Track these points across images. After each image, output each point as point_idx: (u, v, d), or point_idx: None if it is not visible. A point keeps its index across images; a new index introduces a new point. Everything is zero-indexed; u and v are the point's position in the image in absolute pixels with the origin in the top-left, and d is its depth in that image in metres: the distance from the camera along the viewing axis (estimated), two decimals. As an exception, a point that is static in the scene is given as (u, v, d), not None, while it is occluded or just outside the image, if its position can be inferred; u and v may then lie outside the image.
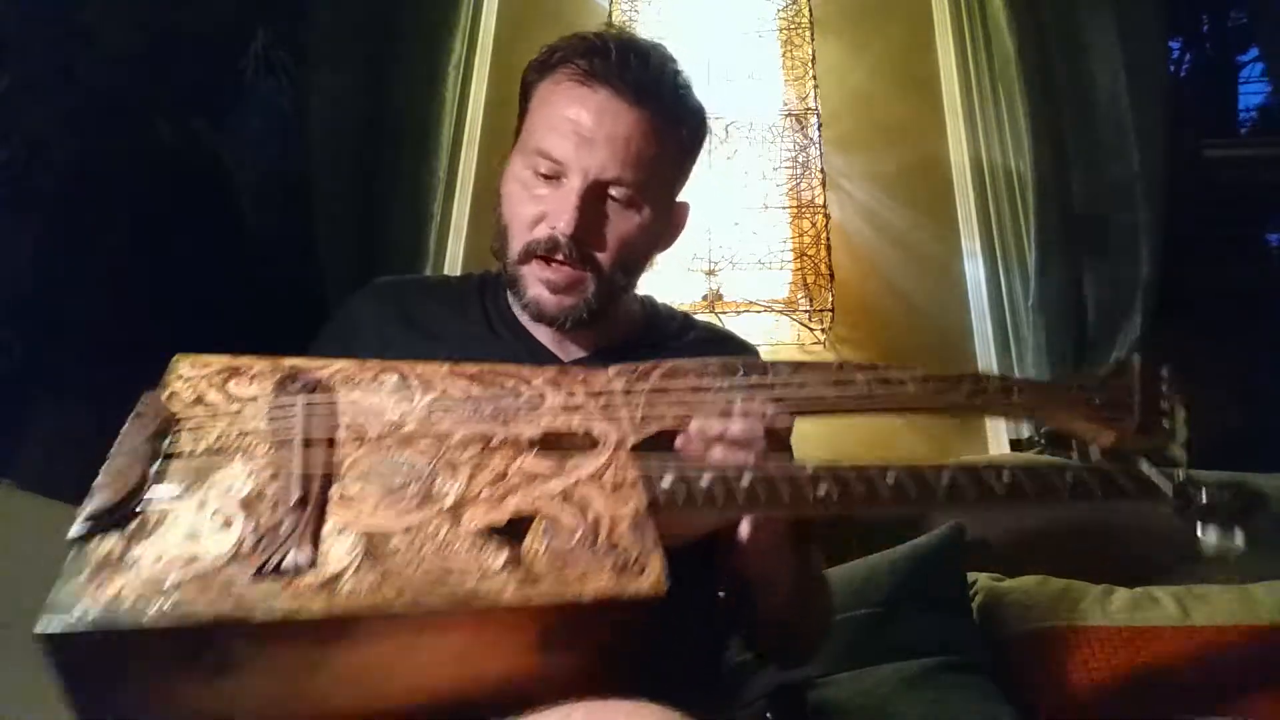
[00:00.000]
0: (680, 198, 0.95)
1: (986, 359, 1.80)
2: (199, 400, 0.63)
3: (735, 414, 0.70)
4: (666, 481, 0.64)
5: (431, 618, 0.53)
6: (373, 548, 0.54)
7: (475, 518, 0.58)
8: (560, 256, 0.84)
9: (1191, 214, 1.85)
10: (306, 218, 1.72)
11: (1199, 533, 0.81)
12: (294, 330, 0.92)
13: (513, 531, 0.57)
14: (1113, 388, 0.90)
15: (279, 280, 1.81)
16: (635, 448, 0.66)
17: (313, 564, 0.52)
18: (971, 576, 1.28)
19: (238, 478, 0.57)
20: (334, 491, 0.58)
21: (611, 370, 0.72)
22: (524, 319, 0.92)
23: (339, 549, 0.54)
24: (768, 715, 0.94)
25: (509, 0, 1.99)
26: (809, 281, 1.72)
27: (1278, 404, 1.95)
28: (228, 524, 0.54)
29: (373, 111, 1.80)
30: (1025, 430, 1.73)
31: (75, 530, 0.53)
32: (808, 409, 0.74)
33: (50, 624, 0.52)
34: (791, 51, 1.85)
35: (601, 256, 0.86)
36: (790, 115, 1.79)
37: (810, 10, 1.85)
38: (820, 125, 1.77)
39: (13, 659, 0.95)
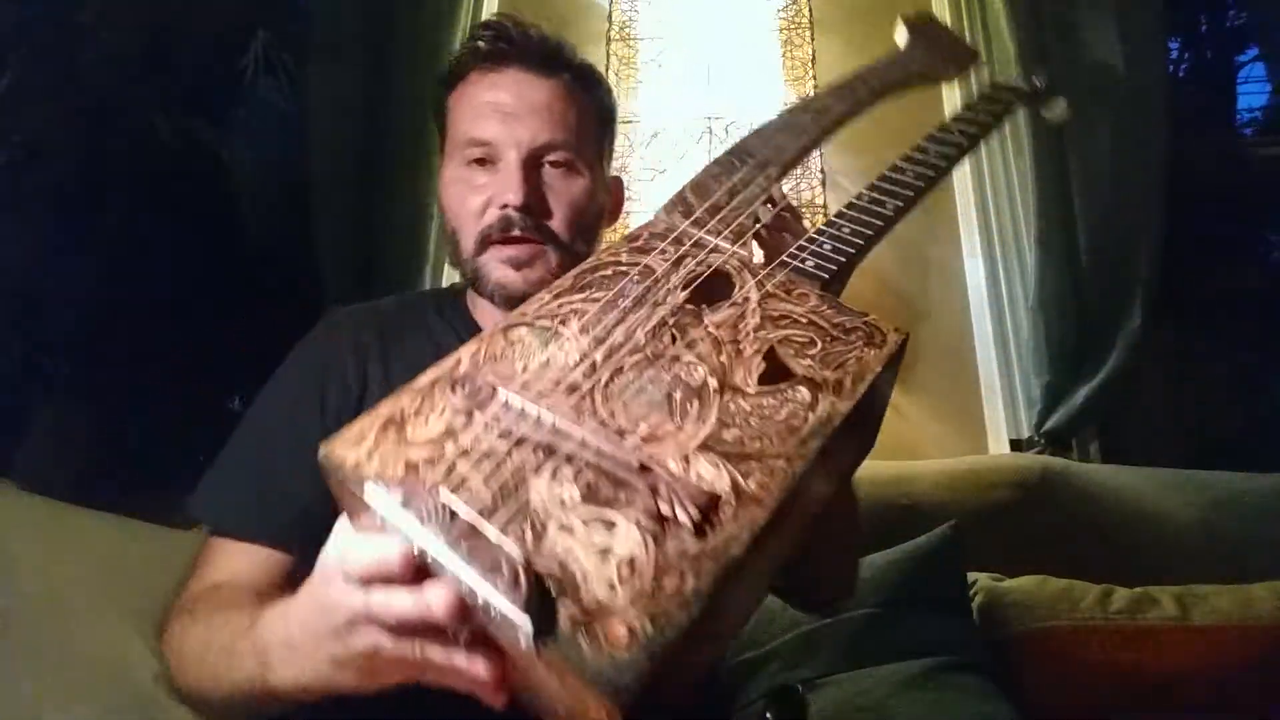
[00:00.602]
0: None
1: (986, 359, 1.80)
2: (409, 465, 0.55)
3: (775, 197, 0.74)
4: (809, 262, 0.67)
5: None
6: (722, 450, 0.53)
7: (744, 377, 0.58)
8: (516, 233, 0.85)
9: (1192, 214, 1.85)
10: (306, 217, 1.72)
11: (1044, 111, 0.95)
12: (294, 331, 0.92)
13: (775, 369, 0.58)
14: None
15: (279, 280, 1.81)
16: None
17: (714, 499, 0.51)
18: (971, 576, 1.28)
19: (552, 490, 0.52)
20: (630, 441, 0.54)
21: (661, 215, 0.73)
22: (489, 323, 0.90)
23: (704, 473, 0.52)
24: (767, 715, 0.93)
25: (509, 0, 1.99)
26: (809, 281, 1.72)
27: (1278, 404, 1.95)
28: (611, 522, 0.51)
29: (373, 111, 1.81)
30: (1025, 430, 1.73)
31: (527, 635, 0.47)
32: (794, 164, 0.79)
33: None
34: (791, 51, 1.85)
35: (555, 225, 0.87)
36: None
37: (810, 10, 1.86)
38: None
39: (13, 659, 0.95)
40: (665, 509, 0.50)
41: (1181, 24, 2.34)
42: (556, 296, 0.65)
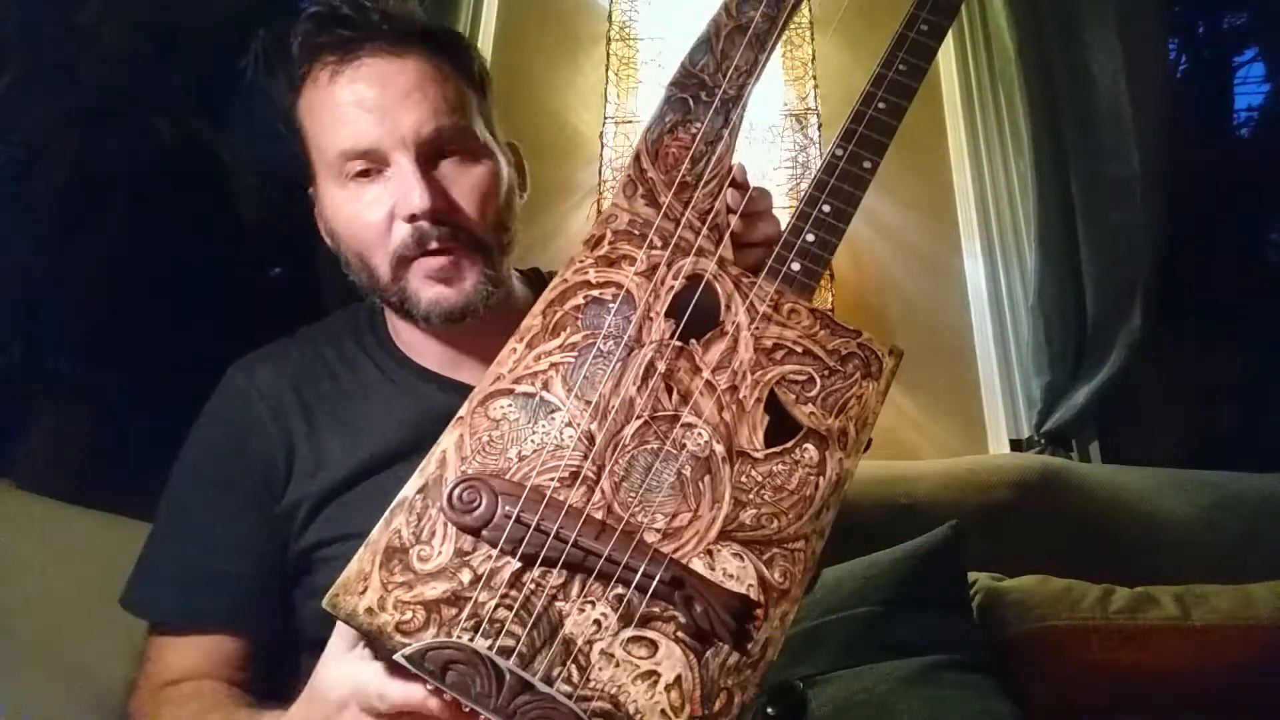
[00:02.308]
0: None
1: (986, 359, 1.80)
2: (431, 606, 0.51)
3: (736, 176, 0.65)
4: (796, 265, 0.63)
5: None
6: (742, 538, 0.53)
7: (750, 440, 0.56)
8: (434, 245, 0.73)
9: (1191, 214, 1.85)
10: (307, 218, 1.71)
11: None
12: (294, 331, 0.91)
13: (778, 417, 0.57)
14: None
15: (279, 279, 1.81)
16: (736, 261, 0.62)
17: (745, 601, 0.51)
18: (971, 576, 1.28)
19: (588, 617, 0.51)
20: (652, 540, 0.53)
21: (620, 203, 0.64)
22: (415, 346, 0.82)
23: (729, 568, 0.52)
24: (769, 711, 0.93)
25: (509, 0, 1.99)
26: (809, 281, 1.71)
27: (1278, 404, 1.95)
28: (653, 646, 0.50)
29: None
30: (1025, 430, 1.73)
31: None
32: (760, 72, 0.70)
33: None
34: (791, 51, 1.85)
35: (472, 224, 0.75)
36: (790, 115, 1.79)
37: (810, 10, 1.85)
38: (820, 125, 1.77)
39: (12, 658, 0.95)
40: (703, 624, 0.50)
41: (1180, 25, 2.34)
42: (530, 346, 0.59)
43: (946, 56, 1.92)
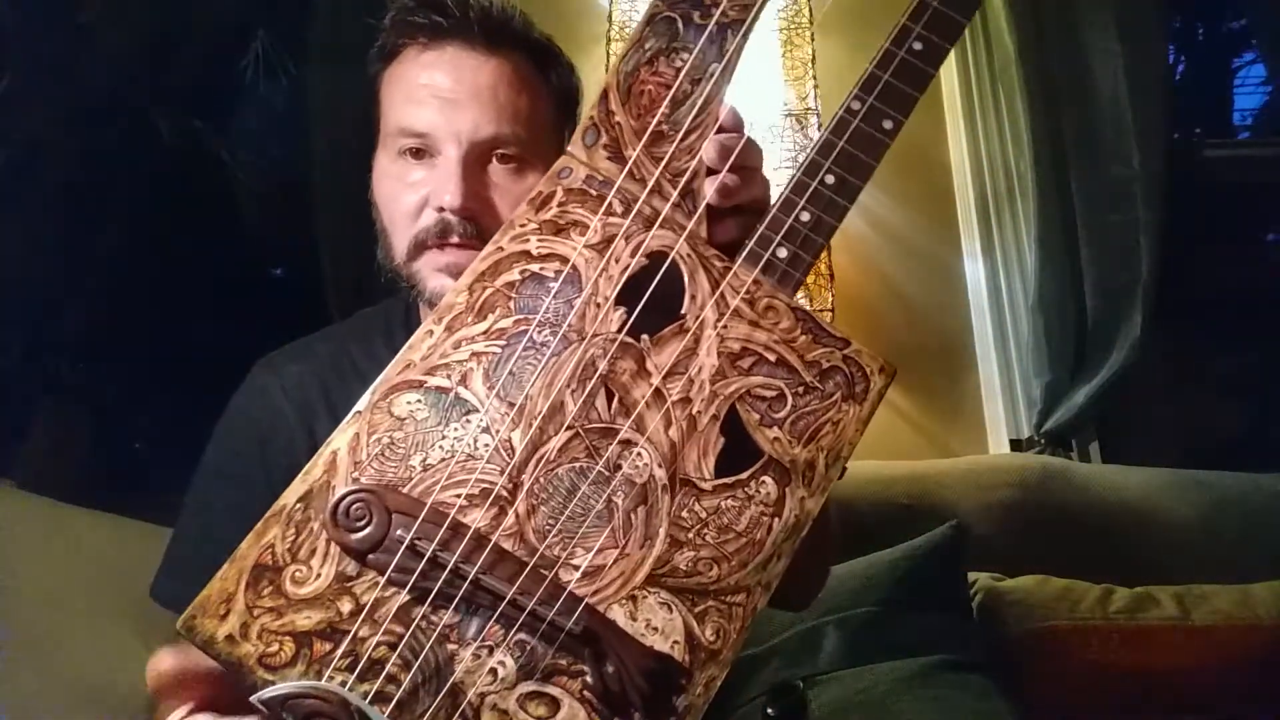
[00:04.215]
0: None
1: (986, 359, 1.80)
2: (298, 639, 0.44)
3: (724, 122, 0.56)
4: (782, 252, 0.53)
5: None
6: (673, 586, 0.46)
7: (698, 466, 0.48)
8: (455, 239, 0.73)
9: (1191, 214, 1.85)
10: (307, 218, 1.72)
11: None
12: (295, 331, 0.91)
13: (736, 438, 0.48)
14: None
15: (280, 279, 1.81)
16: (710, 237, 0.52)
17: (667, 662, 0.44)
18: (971, 576, 1.28)
19: (483, 664, 0.44)
20: (567, 578, 0.45)
21: (577, 154, 0.54)
22: None
23: (655, 619, 0.45)
24: (768, 711, 0.93)
25: (508, 1, 1.99)
26: (809, 281, 1.72)
27: (1278, 404, 1.95)
28: (553, 703, 0.44)
29: (373, 111, 1.80)
30: (1025, 430, 1.73)
31: None
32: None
33: None
34: (791, 51, 1.85)
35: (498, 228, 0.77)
36: (790, 115, 1.78)
37: (810, 10, 1.85)
38: (820, 125, 1.77)
39: (12, 659, 0.95)
40: (614, 686, 0.43)
41: (1179, 25, 2.34)
42: (450, 330, 0.49)
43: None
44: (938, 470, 1.47)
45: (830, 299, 1.69)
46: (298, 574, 0.45)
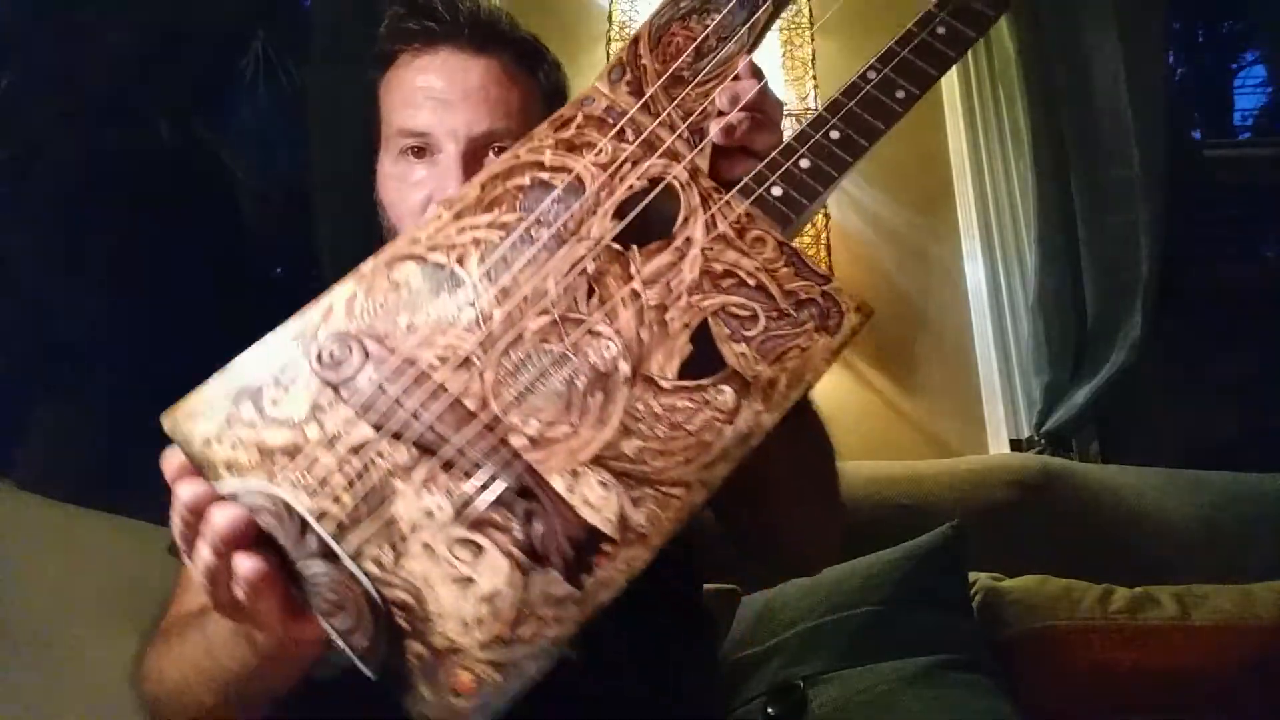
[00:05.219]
0: None
1: (986, 359, 1.80)
2: (264, 452, 0.48)
3: (741, 72, 0.57)
4: (776, 190, 0.55)
5: None
6: (617, 469, 0.47)
7: (662, 367, 0.50)
8: None
9: (1191, 214, 1.85)
10: (307, 218, 1.72)
11: None
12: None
13: (704, 350, 0.50)
14: None
15: (280, 280, 1.81)
16: (713, 171, 0.55)
17: (595, 534, 0.45)
18: (972, 577, 1.28)
19: (420, 503, 0.47)
20: (517, 443, 0.48)
21: (602, 86, 0.58)
22: None
23: (592, 496, 0.46)
24: (769, 711, 0.93)
25: (509, 1, 1.99)
26: (809, 281, 1.71)
27: (1278, 404, 1.95)
28: (478, 550, 0.45)
29: (366, 106, 1.80)
30: (1025, 430, 1.73)
31: (374, 674, 0.44)
32: None
33: None
34: (791, 51, 1.85)
35: None
36: (790, 115, 1.78)
37: (810, 10, 1.86)
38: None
39: (12, 659, 0.95)
40: (539, 544, 0.45)
41: (1180, 26, 2.34)
42: (458, 216, 0.54)
43: (946, 57, 1.92)
44: (938, 470, 1.47)
45: (830, 299, 1.69)
46: (277, 397, 0.49)
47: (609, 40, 1.88)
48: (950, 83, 1.92)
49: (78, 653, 0.98)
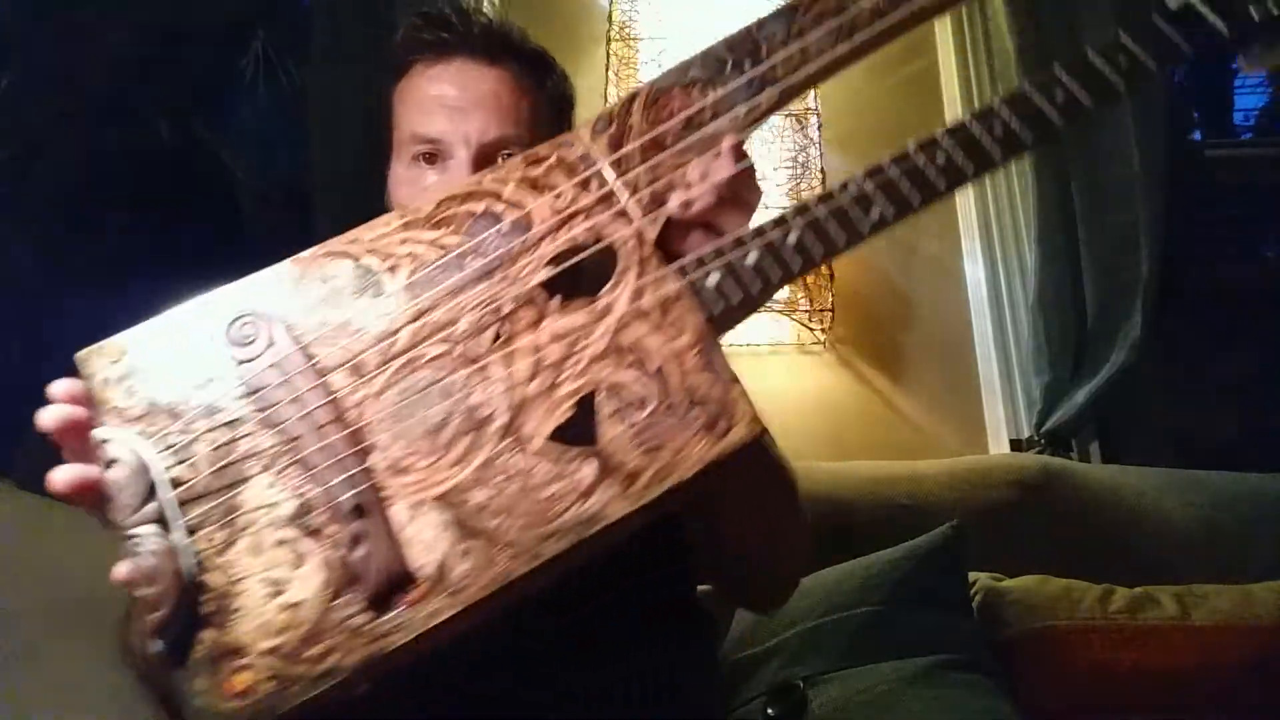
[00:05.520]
0: None
1: (986, 359, 1.80)
2: (153, 405, 0.49)
3: (723, 149, 0.55)
4: (713, 279, 0.52)
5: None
6: (458, 515, 0.47)
7: (537, 426, 0.49)
8: None
9: (1191, 214, 1.85)
10: (307, 218, 1.72)
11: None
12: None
13: (586, 421, 0.50)
14: None
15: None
16: (660, 241, 0.54)
17: (409, 575, 0.46)
18: (972, 577, 1.28)
19: (266, 493, 0.47)
20: (375, 462, 0.48)
21: (584, 133, 0.57)
22: None
23: (425, 534, 0.46)
24: (769, 711, 0.93)
25: (508, 1, 1.99)
26: (809, 281, 1.71)
27: (1278, 404, 1.95)
28: (299, 558, 0.46)
29: (373, 111, 1.80)
30: (1025, 430, 1.73)
31: (156, 650, 0.44)
32: (827, 71, 0.58)
33: None
34: (791, 51, 1.85)
35: None
36: (790, 115, 1.78)
37: (810, 10, 1.85)
38: (820, 125, 1.77)
39: (12, 659, 0.95)
40: (356, 568, 0.45)
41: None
42: (405, 227, 0.54)
43: (946, 57, 1.92)
44: (938, 470, 1.47)
45: (830, 299, 1.69)
46: (181, 357, 0.50)
47: (609, 40, 1.88)
48: (950, 82, 1.92)
49: (77, 653, 0.98)
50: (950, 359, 1.80)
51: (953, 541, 1.25)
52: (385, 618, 0.45)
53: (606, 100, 1.81)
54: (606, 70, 1.84)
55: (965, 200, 1.87)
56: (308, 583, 0.45)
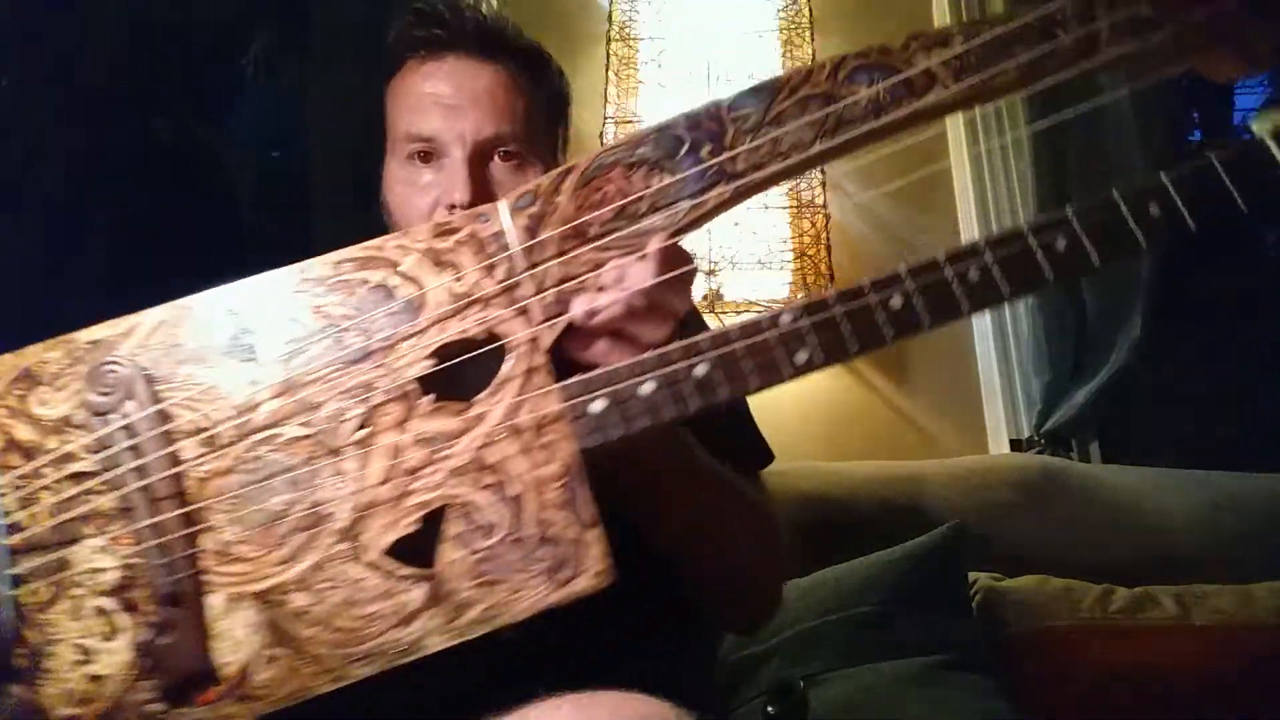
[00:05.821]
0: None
1: (986, 359, 1.80)
2: (10, 443, 0.48)
3: (648, 253, 0.50)
4: (598, 405, 0.47)
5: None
6: (274, 616, 0.45)
7: (377, 535, 0.46)
8: None
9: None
10: (306, 218, 1.72)
11: None
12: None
13: (428, 537, 0.47)
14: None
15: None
16: (552, 350, 0.49)
17: (210, 673, 0.44)
18: (972, 577, 1.28)
19: (96, 557, 0.46)
20: (207, 543, 0.46)
21: (505, 207, 0.51)
22: None
23: (237, 631, 0.45)
24: (769, 710, 0.93)
25: (509, 0, 1.99)
26: (809, 281, 1.71)
27: (1276, 404, 1.95)
28: (112, 631, 0.45)
29: (373, 111, 1.80)
30: (1025, 430, 1.73)
31: None
32: (798, 169, 0.52)
33: None
34: (791, 51, 1.85)
35: None
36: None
37: (810, 10, 1.85)
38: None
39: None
40: (159, 655, 0.45)
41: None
42: (300, 290, 0.50)
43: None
44: (938, 470, 1.47)
45: (830, 299, 1.69)
46: (47, 395, 0.48)
47: (609, 40, 1.88)
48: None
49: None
50: (950, 359, 1.80)
51: (953, 541, 1.25)
52: (178, 711, 0.45)
53: (606, 100, 1.81)
54: (606, 70, 1.84)
55: (965, 201, 1.87)
56: (115, 658, 0.45)
